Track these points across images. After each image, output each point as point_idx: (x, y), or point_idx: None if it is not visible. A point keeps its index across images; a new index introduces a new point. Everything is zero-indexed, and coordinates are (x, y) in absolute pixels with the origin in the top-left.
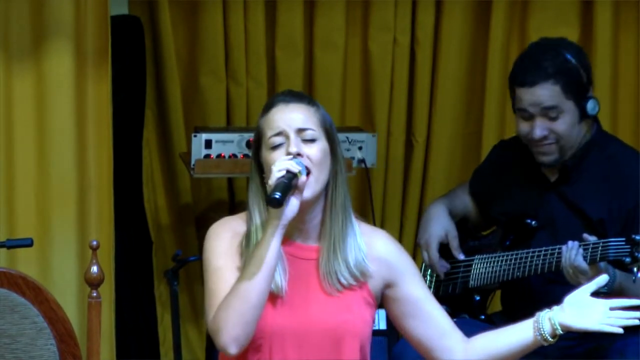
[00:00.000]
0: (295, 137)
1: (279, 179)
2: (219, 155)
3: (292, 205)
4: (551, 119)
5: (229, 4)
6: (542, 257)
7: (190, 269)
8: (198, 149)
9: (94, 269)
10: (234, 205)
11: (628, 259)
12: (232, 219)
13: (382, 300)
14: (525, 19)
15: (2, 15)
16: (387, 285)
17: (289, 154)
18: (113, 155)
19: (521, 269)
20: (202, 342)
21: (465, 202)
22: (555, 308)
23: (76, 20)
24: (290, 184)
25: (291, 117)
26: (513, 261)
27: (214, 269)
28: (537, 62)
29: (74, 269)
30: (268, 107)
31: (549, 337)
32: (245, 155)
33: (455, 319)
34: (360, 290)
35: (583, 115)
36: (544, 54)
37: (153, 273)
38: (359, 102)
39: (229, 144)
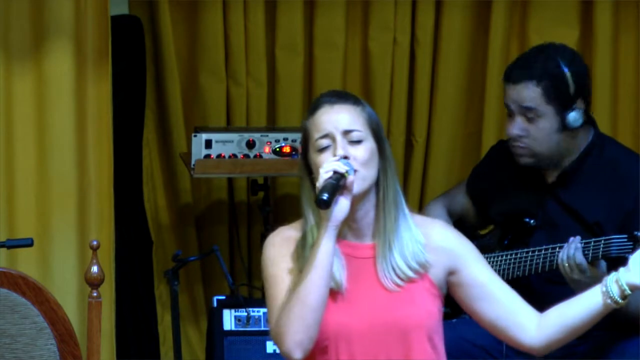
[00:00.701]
0: (342, 139)
1: (326, 180)
2: (219, 155)
3: (342, 205)
4: (529, 120)
5: (229, 4)
6: (542, 256)
7: (190, 269)
8: (198, 149)
9: (94, 269)
10: (234, 205)
11: (630, 256)
12: (286, 228)
13: (448, 288)
14: (525, 19)
15: (2, 15)
16: (450, 272)
17: (336, 156)
18: (113, 155)
19: (521, 268)
20: (202, 342)
21: (462, 201)
22: (621, 269)
23: (76, 20)
24: (337, 184)
25: (337, 118)
26: (512, 260)
27: (272, 278)
28: (527, 61)
29: (74, 269)
30: (314, 109)
31: (619, 299)
32: (245, 156)
33: (455, 319)
34: (421, 282)
35: (564, 125)
36: (536, 55)
37: (153, 273)
38: None
39: (229, 144)
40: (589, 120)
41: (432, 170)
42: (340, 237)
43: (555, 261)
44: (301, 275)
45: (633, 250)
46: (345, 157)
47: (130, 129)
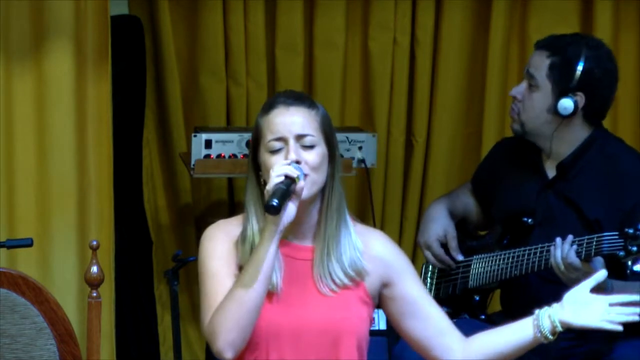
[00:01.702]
0: (295, 143)
1: (277, 184)
2: (219, 155)
3: (290, 210)
4: (529, 88)
5: (229, 4)
6: (538, 255)
7: (190, 269)
8: (198, 149)
9: (94, 269)
10: (234, 205)
11: (622, 253)
12: (227, 222)
13: (379, 301)
14: (525, 19)
15: (2, 15)
16: (384, 285)
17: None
18: (113, 155)
19: (519, 267)
20: (202, 342)
21: (466, 202)
22: (555, 305)
23: (76, 20)
24: (288, 190)
25: (292, 121)
26: (510, 260)
27: (210, 274)
28: (558, 37)
29: (74, 269)
30: (268, 107)
31: (549, 334)
32: (245, 155)
33: (455, 319)
34: (356, 289)
35: (555, 108)
36: (570, 35)
37: (153, 273)
38: (359, 102)
39: (229, 144)
40: (592, 117)
41: (432, 170)
42: (281, 237)
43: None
44: (240, 275)
45: (624, 247)
46: (297, 162)
47: (130, 129)
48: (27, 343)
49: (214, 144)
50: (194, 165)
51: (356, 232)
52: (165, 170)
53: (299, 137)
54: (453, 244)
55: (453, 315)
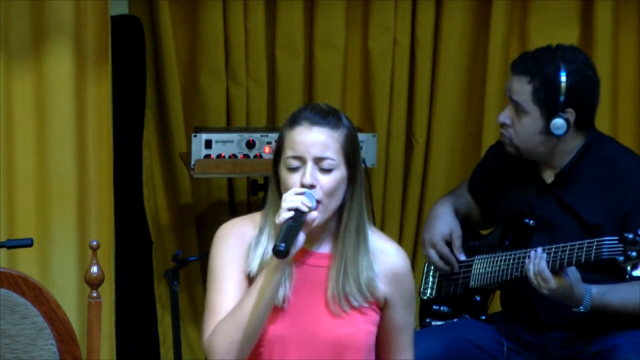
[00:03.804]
0: (312, 165)
1: (286, 221)
2: (219, 155)
3: (299, 240)
4: (517, 112)
5: (229, 4)
6: None
7: (190, 269)
8: (198, 149)
9: (94, 269)
10: (234, 205)
11: (621, 258)
12: (241, 222)
13: None
14: (525, 19)
15: (2, 15)
16: (386, 300)
17: (302, 185)
18: (113, 155)
19: (519, 269)
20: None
21: (467, 200)
22: None
23: (76, 20)
24: (298, 225)
25: (312, 142)
26: (511, 261)
27: (218, 281)
28: (532, 56)
29: (74, 269)
30: (293, 122)
31: None
32: (245, 156)
33: (456, 319)
34: (367, 308)
35: (547, 129)
36: (543, 53)
37: (153, 273)
38: (359, 102)
39: (229, 144)
40: (583, 125)
41: (432, 170)
42: None
43: (550, 262)
44: (244, 298)
45: (623, 252)
46: (312, 186)
47: (130, 129)
48: (27, 343)
49: (214, 144)
50: (194, 165)
51: (375, 246)
52: (165, 170)
53: (318, 160)
54: (457, 243)
55: (454, 315)
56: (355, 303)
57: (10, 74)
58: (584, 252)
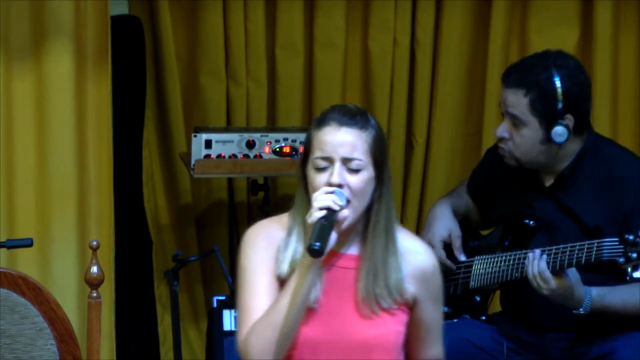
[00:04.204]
0: (340, 165)
1: (319, 220)
2: (219, 155)
3: (331, 240)
4: (514, 125)
5: (229, 4)
6: None
7: (190, 269)
8: (198, 149)
9: (94, 269)
10: (234, 205)
11: (622, 259)
12: (268, 224)
13: None
14: (525, 19)
15: (2, 15)
16: (414, 299)
17: (330, 185)
18: (113, 155)
19: (519, 269)
20: (202, 342)
21: (466, 201)
22: None
23: (76, 20)
24: (331, 224)
25: (340, 142)
26: (511, 262)
27: (249, 284)
28: (523, 67)
29: (74, 269)
30: (321, 122)
31: None
32: (245, 156)
33: (456, 320)
34: (396, 309)
35: (548, 138)
36: (534, 63)
37: (153, 273)
38: (359, 102)
39: (229, 144)
40: (581, 130)
41: (432, 170)
42: None
43: (550, 262)
44: (277, 300)
45: (624, 253)
46: (340, 186)
47: (130, 129)
48: (27, 343)
49: (214, 144)
50: (194, 165)
51: (402, 245)
52: (165, 170)
53: (346, 161)
54: (457, 243)
55: (454, 315)
56: (384, 305)
57: (10, 74)
58: (584, 254)
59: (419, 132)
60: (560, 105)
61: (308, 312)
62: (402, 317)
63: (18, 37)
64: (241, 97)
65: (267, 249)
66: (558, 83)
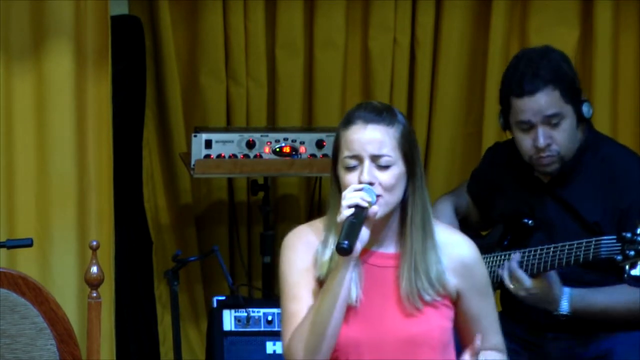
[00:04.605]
0: (370, 163)
1: (348, 218)
2: (219, 155)
3: (363, 235)
4: (553, 126)
5: (229, 4)
6: (537, 257)
7: (190, 269)
8: (198, 149)
9: (94, 269)
10: (234, 205)
11: (619, 257)
12: (305, 230)
13: None
14: (525, 19)
15: (2, 15)
16: (457, 291)
17: (360, 182)
18: (113, 155)
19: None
20: (202, 342)
21: (466, 200)
22: None
23: (76, 20)
24: (360, 221)
25: (368, 140)
26: None
27: (290, 287)
28: (533, 69)
29: (74, 269)
30: (348, 121)
31: None
32: (245, 156)
33: None
34: (440, 302)
35: (580, 119)
36: (538, 61)
37: (153, 273)
38: (359, 102)
39: (229, 144)
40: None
41: (432, 171)
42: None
43: (549, 261)
44: (317, 302)
45: (621, 251)
46: (371, 183)
47: (130, 129)
48: (27, 343)
49: (214, 144)
50: (194, 165)
51: (441, 239)
52: (165, 170)
53: (375, 158)
54: None
55: None
56: (427, 298)
57: (10, 74)
58: (582, 252)
59: (419, 132)
60: (577, 82)
61: (350, 312)
62: (446, 312)
63: (18, 37)
64: (241, 97)
65: (306, 253)
66: (566, 65)
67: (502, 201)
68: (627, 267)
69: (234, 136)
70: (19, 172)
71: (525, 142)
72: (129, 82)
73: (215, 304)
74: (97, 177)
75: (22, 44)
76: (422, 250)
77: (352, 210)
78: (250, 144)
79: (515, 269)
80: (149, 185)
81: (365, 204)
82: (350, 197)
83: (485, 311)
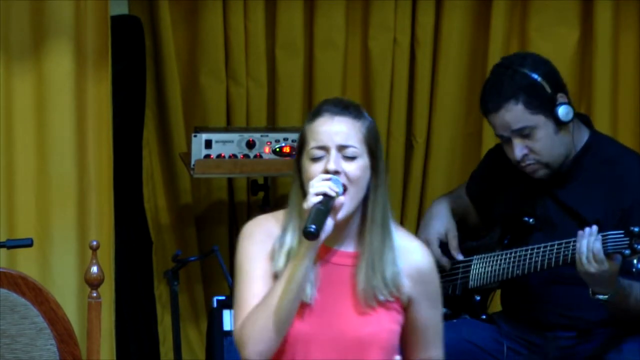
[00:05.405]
0: (336, 153)
1: (315, 205)
2: (219, 155)
3: (327, 226)
4: (525, 137)
5: (229, 4)
6: (541, 254)
7: (190, 269)
8: (198, 149)
9: (94, 269)
10: (234, 205)
11: (627, 251)
12: (266, 220)
13: None
14: (525, 19)
15: (2, 15)
16: (409, 298)
17: (326, 171)
18: (113, 155)
19: (520, 267)
20: (202, 342)
21: (465, 202)
22: None
23: (76, 20)
24: (327, 209)
25: (335, 131)
26: (512, 259)
27: (245, 275)
28: (495, 86)
29: (74, 269)
30: (314, 115)
31: None
32: (245, 156)
33: (456, 320)
34: (392, 302)
35: (558, 124)
36: (500, 77)
37: (153, 273)
38: (359, 102)
39: (229, 144)
40: (581, 118)
41: (432, 171)
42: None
43: (553, 259)
44: (273, 288)
45: (629, 245)
46: (337, 172)
47: (130, 129)
48: (27, 343)
49: (214, 144)
50: (194, 165)
51: (399, 243)
52: (165, 170)
53: (341, 148)
54: (454, 243)
55: (453, 315)
56: (381, 297)
57: (10, 74)
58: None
59: (419, 132)
60: (548, 89)
61: (303, 308)
62: (396, 317)
63: (18, 37)
64: (241, 97)
65: (263, 243)
66: (534, 74)
67: (502, 201)
68: (635, 261)
69: (234, 136)
70: (19, 172)
71: (508, 151)
72: (129, 82)
73: (215, 304)
74: (97, 177)
75: (22, 44)
76: (380, 249)
77: (320, 197)
78: (250, 144)
79: (599, 251)
80: (149, 185)
81: (333, 193)
82: (319, 185)
83: (433, 322)
